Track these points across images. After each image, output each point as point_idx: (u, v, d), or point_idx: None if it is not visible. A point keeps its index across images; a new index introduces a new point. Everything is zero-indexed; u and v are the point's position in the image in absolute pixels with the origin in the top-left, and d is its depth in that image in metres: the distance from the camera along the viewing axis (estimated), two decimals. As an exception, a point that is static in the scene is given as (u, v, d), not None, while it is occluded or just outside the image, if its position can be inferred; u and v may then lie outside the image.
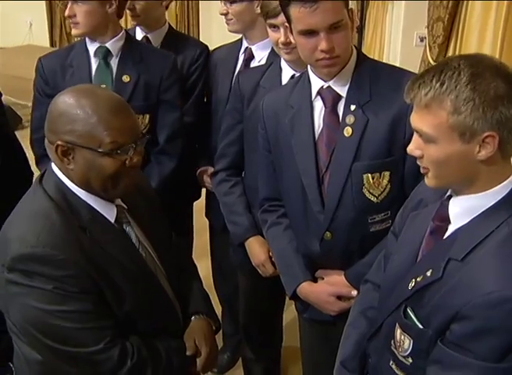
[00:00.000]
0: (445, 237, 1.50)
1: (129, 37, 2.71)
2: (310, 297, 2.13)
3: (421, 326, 1.47)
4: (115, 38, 2.60)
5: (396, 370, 1.58)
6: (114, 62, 2.62)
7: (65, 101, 1.56)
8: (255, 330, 2.81)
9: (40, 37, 8.60)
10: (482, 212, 1.42)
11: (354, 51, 1.99)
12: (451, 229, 1.49)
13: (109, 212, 1.67)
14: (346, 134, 1.95)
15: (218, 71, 2.88)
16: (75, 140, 1.54)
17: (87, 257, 1.54)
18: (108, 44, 2.60)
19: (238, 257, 2.59)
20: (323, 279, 2.14)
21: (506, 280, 1.32)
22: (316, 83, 2.00)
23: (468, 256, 1.39)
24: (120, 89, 2.52)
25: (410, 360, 1.52)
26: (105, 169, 1.57)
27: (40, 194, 1.60)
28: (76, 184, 1.61)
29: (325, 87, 1.98)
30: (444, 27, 4.60)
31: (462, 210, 1.46)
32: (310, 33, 1.84)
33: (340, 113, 1.98)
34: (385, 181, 1.97)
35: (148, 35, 2.97)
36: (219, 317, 3.27)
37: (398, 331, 1.54)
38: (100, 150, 1.54)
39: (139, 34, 3.00)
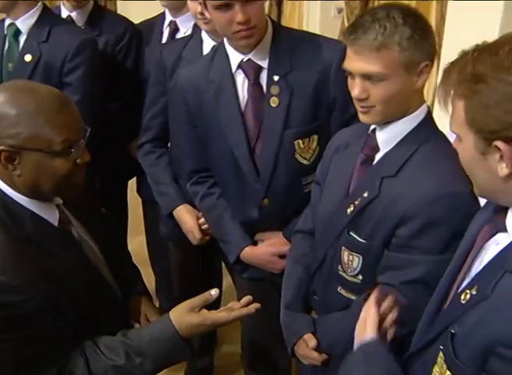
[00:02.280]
0: (374, 163, 1.69)
1: (45, 13, 2.59)
2: (254, 259, 2.22)
3: (366, 242, 1.66)
4: (26, 15, 2.50)
5: (345, 294, 1.77)
6: (22, 40, 2.53)
7: (2, 102, 1.43)
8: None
9: None
10: (407, 135, 1.63)
11: (269, 23, 2.04)
12: (379, 156, 1.68)
13: (52, 216, 1.58)
14: (272, 104, 2.02)
15: (144, 46, 2.87)
16: (20, 143, 1.42)
17: (36, 271, 1.45)
18: (17, 22, 2.51)
19: (168, 228, 2.64)
20: (262, 241, 2.22)
21: (439, 179, 1.55)
22: (235, 56, 2.04)
23: (400, 171, 1.61)
24: (20, 69, 2.48)
25: (360, 277, 1.71)
26: (58, 170, 1.47)
27: None
28: (18, 191, 1.51)
29: (245, 60, 2.03)
30: (361, -2, 4.73)
31: (389, 136, 1.65)
32: (225, 6, 1.87)
33: (264, 84, 2.03)
34: (314, 144, 2.06)
35: (72, 14, 2.88)
36: (154, 292, 3.34)
37: (345, 254, 1.72)
38: (51, 150, 1.44)
39: (64, 13, 2.91)
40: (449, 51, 2.79)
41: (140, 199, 3.17)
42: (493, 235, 1.26)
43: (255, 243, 2.24)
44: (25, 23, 2.51)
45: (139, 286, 1.88)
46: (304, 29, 5.47)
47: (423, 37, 1.53)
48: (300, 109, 2.01)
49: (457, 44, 1.22)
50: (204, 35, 2.40)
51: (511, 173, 1.12)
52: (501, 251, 1.20)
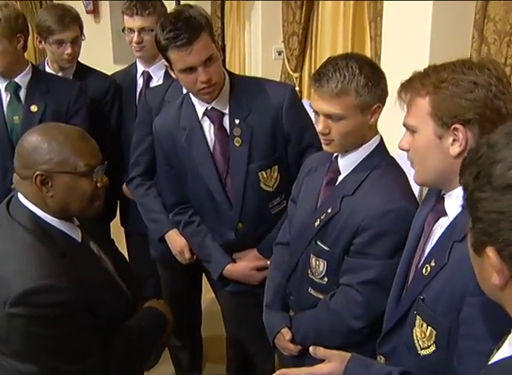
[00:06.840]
0: (336, 184, 1.99)
1: (36, 69, 2.92)
2: (235, 274, 2.54)
3: (330, 250, 1.95)
4: (23, 72, 2.82)
5: (314, 294, 2.05)
6: (23, 95, 2.83)
7: (35, 138, 1.73)
8: (179, 318, 2.89)
9: None
10: (361, 161, 1.93)
11: (227, 75, 2.39)
12: (340, 178, 1.99)
13: (76, 234, 1.84)
14: (236, 144, 2.36)
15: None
16: (53, 168, 1.70)
17: (73, 279, 1.66)
18: (17, 79, 2.82)
19: (158, 251, 2.88)
20: (240, 259, 2.55)
21: (387, 198, 1.85)
22: (200, 106, 2.38)
23: (356, 191, 1.90)
24: (29, 118, 2.76)
25: (326, 279, 2.00)
26: (85, 190, 1.75)
27: (17, 228, 1.71)
28: (49, 212, 1.76)
29: (209, 108, 2.37)
30: (299, 41, 5.00)
31: (348, 162, 1.96)
32: (189, 69, 2.20)
33: (227, 127, 2.38)
34: (275, 173, 2.41)
35: (58, 74, 3.14)
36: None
37: (313, 259, 2.01)
38: (77, 172, 1.72)
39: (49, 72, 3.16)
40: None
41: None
42: (437, 220, 1.57)
43: (234, 261, 2.56)
44: (23, 79, 2.83)
45: (143, 293, 2.16)
46: (247, 71, 5.76)
47: (376, 84, 1.82)
48: (260, 146, 2.36)
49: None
50: None
51: (462, 151, 1.42)
52: (446, 228, 1.51)
